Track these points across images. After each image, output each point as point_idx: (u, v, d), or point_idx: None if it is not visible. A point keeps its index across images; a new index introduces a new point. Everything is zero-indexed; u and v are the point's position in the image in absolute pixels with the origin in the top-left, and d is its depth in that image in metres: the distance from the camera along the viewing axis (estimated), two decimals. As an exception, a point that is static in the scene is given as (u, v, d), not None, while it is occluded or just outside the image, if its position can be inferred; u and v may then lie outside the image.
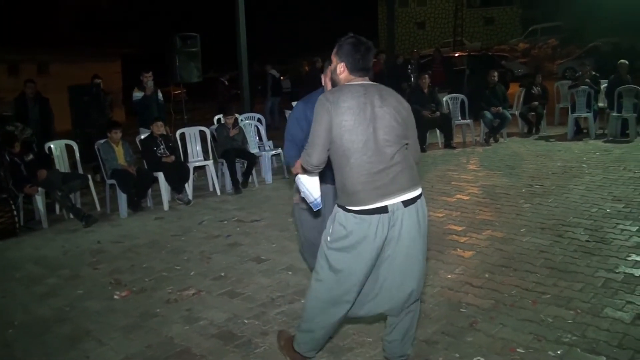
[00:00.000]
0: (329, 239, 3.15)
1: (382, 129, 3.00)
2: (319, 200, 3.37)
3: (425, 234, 3.17)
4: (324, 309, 3.24)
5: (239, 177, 8.87)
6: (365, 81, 3.16)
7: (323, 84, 3.80)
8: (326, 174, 3.59)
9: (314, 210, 3.46)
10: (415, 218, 3.07)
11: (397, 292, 3.18)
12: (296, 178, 3.41)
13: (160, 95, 9.82)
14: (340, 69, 3.19)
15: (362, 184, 2.99)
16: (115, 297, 5.00)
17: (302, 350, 3.48)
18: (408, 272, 3.15)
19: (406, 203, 3.02)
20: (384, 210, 2.99)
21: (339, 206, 3.12)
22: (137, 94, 9.58)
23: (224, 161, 8.80)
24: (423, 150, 11.13)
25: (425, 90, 11.48)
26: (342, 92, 3.03)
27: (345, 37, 3.20)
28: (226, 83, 14.50)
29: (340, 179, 3.08)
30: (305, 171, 3.28)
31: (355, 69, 3.15)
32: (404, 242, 3.06)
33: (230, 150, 8.74)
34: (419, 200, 3.09)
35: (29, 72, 17.83)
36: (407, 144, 3.14)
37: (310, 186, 3.35)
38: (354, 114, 2.97)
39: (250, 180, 9.16)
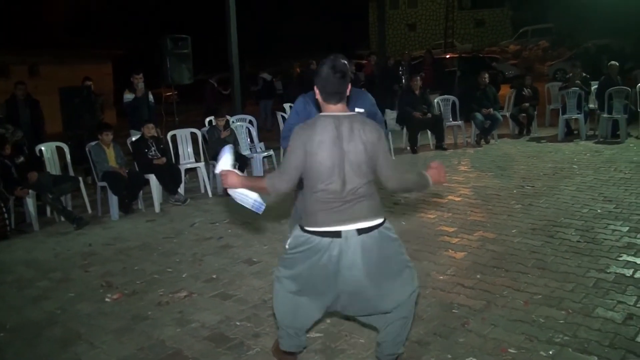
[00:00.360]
0: (287, 246, 3.30)
1: (349, 164, 3.09)
2: (259, 199, 3.39)
3: (392, 258, 3.20)
4: (287, 308, 3.34)
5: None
6: (338, 111, 3.18)
7: None
8: None
9: (259, 212, 3.46)
10: (373, 245, 3.12)
11: (374, 309, 3.27)
12: (230, 191, 3.42)
13: (151, 97, 9.79)
14: (317, 92, 3.22)
15: (322, 209, 3.11)
16: (107, 299, 4.98)
17: (285, 347, 3.54)
18: (379, 295, 3.20)
19: (360, 231, 3.10)
20: (337, 234, 3.08)
21: (299, 225, 3.24)
22: (128, 96, 9.55)
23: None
24: (414, 151, 11.16)
25: (417, 92, 11.50)
26: (316, 126, 3.11)
27: (327, 58, 3.20)
28: (215, 85, 14.37)
29: (303, 200, 3.24)
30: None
31: (326, 92, 3.16)
32: (363, 268, 3.11)
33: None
34: (377, 230, 3.15)
35: (20, 73, 17.72)
36: (372, 179, 3.21)
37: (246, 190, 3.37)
38: (326, 149, 3.06)
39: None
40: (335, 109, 3.17)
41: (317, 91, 3.20)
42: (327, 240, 3.09)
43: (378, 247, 3.14)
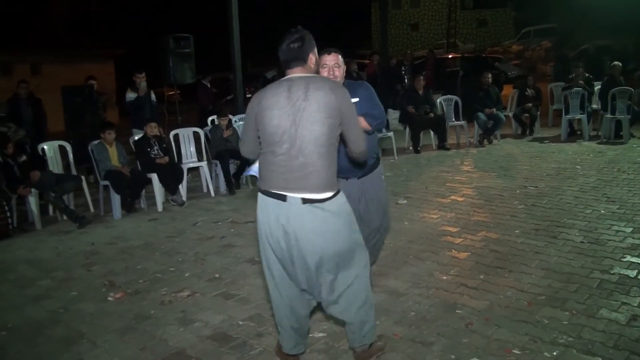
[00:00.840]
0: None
1: (303, 125, 3.04)
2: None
3: (339, 234, 3.18)
4: (279, 297, 3.37)
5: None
6: (296, 74, 3.17)
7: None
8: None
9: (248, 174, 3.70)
10: (318, 217, 3.09)
11: (325, 290, 3.29)
12: None
13: (153, 96, 9.79)
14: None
15: (272, 171, 3.12)
16: (109, 298, 4.97)
17: (286, 350, 3.55)
18: (323, 268, 3.21)
19: (305, 201, 3.07)
20: (282, 198, 3.08)
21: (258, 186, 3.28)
22: (130, 95, 9.55)
23: (218, 162, 8.78)
24: (417, 151, 11.14)
25: (420, 92, 11.49)
26: (267, 90, 3.15)
27: (284, 33, 3.23)
28: (208, 86, 14.10)
29: (260, 161, 3.26)
30: None
31: (284, 60, 3.19)
32: (307, 237, 3.11)
33: (224, 152, 8.72)
34: (322, 204, 3.10)
35: (22, 72, 17.73)
36: (329, 143, 3.12)
37: None
38: (273, 110, 3.06)
39: (244, 181, 9.14)
40: (292, 72, 3.17)
41: (281, 64, 3.23)
42: (274, 201, 3.10)
43: (323, 220, 3.11)
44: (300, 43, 3.13)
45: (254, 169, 3.48)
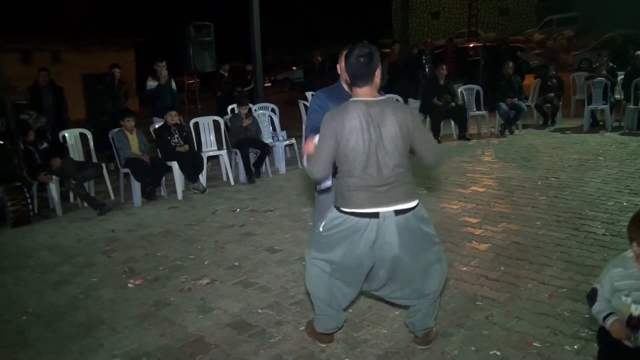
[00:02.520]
0: (321, 229, 3.34)
1: (383, 149, 3.15)
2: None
3: (424, 238, 3.32)
4: (323, 288, 3.44)
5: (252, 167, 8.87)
6: (367, 95, 3.21)
7: (339, 72, 3.79)
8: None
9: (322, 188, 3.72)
10: (408, 224, 3.21)
11: (408, 289, 3.45)
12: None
13: (174, 84, 9.83)
14: (345, 75, 3.38)
15: (357, 192, 3.17)
16: (129, 285, 5.01)
17: (321, 329, 3.67)
18: (413, 273, 3.35)
19: (397, 212, 3.17)
20: (375, 215, 3.15)
21: (335, 206, 3.30)
22: (151, 84, 9.59)
23: (238, 151, 8.78)
24: (438, 141, 11.06)
25: (442, 81, 11.40)
26: (347, 112, 3.16)
27: (353, 45, 3.25)
28: (225, 75, 13.89)
29: (339, 183, 3.28)
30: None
31: (355, 77, 3.22)
32: (399, 244, 3.19)
33: (243, 140, 8.73)
34: (412, 211, 3.22)
35: (43, 60, 17.88)
36: (407, 161, 3.27)
37: None
38: (357, 134, 3.12)
39: (264, 170, 9.14)
40: (363, 93, 3.21)
41: (345, 75, 3.34)
42: (365, 220, 3.15)
43: (412, 226, 3.22)
44: (368, 59, 3.17)
45: (328, 183, 3.59)
